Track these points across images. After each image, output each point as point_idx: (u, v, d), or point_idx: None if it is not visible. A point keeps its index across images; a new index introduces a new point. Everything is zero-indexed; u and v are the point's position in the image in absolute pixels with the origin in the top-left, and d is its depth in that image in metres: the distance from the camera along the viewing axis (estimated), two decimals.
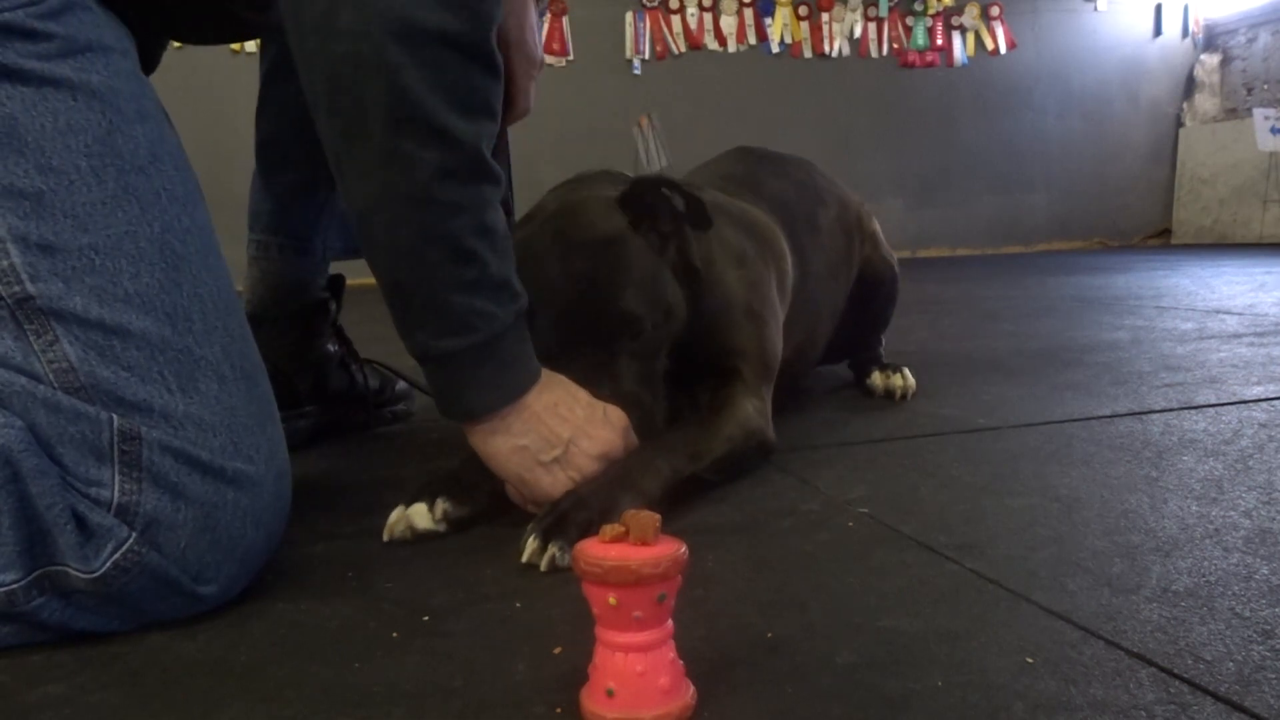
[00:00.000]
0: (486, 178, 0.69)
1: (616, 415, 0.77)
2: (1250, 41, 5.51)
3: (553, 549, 0.67)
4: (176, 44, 0.86)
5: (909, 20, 5.33)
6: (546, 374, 0.75)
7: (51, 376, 0.58)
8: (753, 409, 0.91)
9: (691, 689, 0.46)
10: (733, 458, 0.86)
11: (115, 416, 0.58)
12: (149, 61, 0.77)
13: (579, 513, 0.70)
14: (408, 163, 0.65)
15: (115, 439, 0.58)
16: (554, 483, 0.74)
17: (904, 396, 1.24)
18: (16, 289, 0.58)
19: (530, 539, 0.69)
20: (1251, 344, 1.58)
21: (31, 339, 0.58)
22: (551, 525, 0.69)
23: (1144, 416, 1.08)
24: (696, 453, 0.82)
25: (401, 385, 1.24)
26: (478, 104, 0.67)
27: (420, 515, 0.76)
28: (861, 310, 1.30)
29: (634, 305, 0.82)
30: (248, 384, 0.64)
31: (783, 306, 1.05)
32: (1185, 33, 5.71)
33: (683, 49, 5.04)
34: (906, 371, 1.27)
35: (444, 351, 0.70)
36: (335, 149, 0.67)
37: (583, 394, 0.76)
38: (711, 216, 0.87)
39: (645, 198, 0.86)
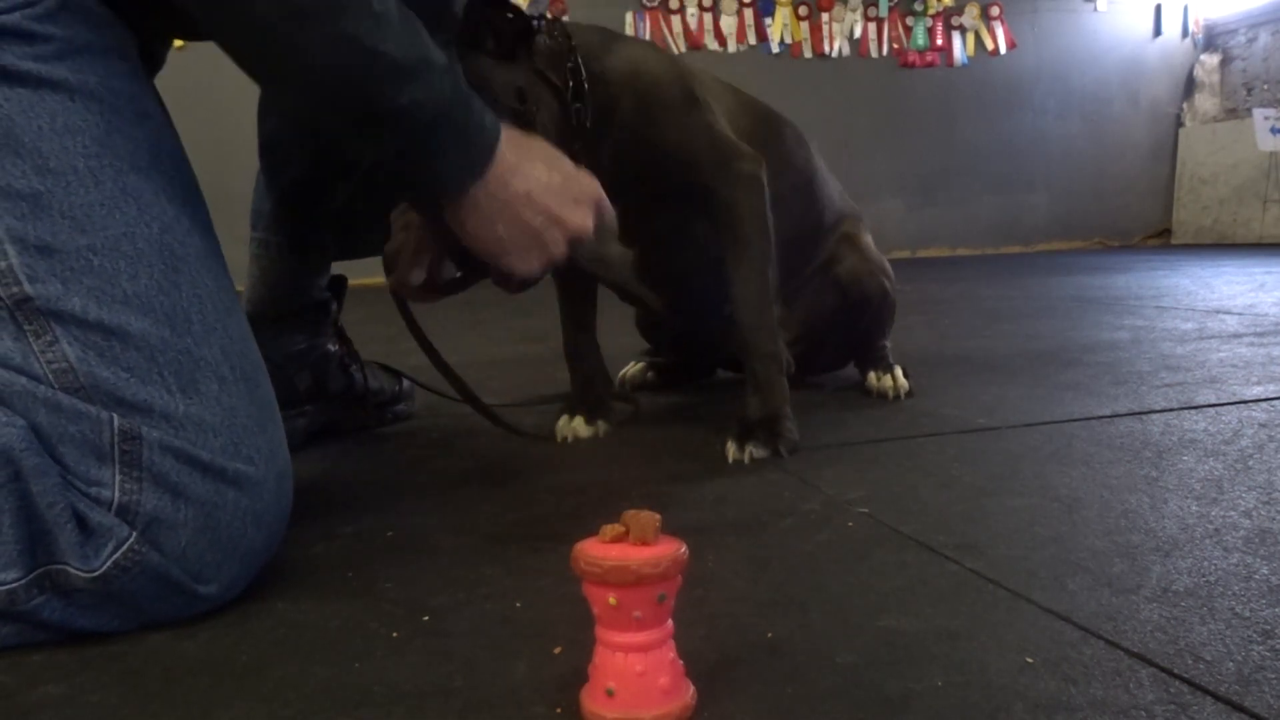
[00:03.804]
0: None
1: (590, 187, 0.79)
2: (1250, 41, 5.51)
3: (750, 447, 0.95)
4: (179, 43, 0.86)
5: (909, 20, 5.33)
6: (516, 143, 0.74)
7: (51, 377, 0.58)
8: (747, 200, 1.01)
9: (691, 689, 0.46)
10: (765, 263, 1.02)
11: (115, 416, 0.58)
12: (153, 60, 0.77)
13: (761, 417, 0.97)
14: None
15: (116, 439, 0.58)
16: (525, 263, 0.77)
17: (897, 396, 1.24)
18: (15, 290, 0.58)
19: (730, 447, 0.96)
20: (1251, 344, 1.58)
21: (31, 339, 0.58)
22: (741, 434, 0.97)
23: (1144, 416, 1.08)
24: (758, 308, 1.00)
25: (405, 385, 1.24)
26: None
27: (581, 427, 1.09)
28: (854, 324, 1.28)
29: None
30: (248, 385, 0.64)
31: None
32: (1185, 33, 5.71)
33: (683, 49, 5.04)
34: (899, 372, 1.27)
35: (409, 102, 0.66)
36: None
37: (558, 167, 0.77)
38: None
39: (475, 17, 0.87)
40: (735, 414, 1.01)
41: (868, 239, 1.30)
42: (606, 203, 0.81)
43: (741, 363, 1.03)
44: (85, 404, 0.58)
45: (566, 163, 0.79)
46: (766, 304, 1.01)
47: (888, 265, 1.31)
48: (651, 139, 0.99)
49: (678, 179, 1.01)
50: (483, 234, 0.75)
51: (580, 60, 0.94)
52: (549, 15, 0.97)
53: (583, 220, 0.78)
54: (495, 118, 0.73)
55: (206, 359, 0.62)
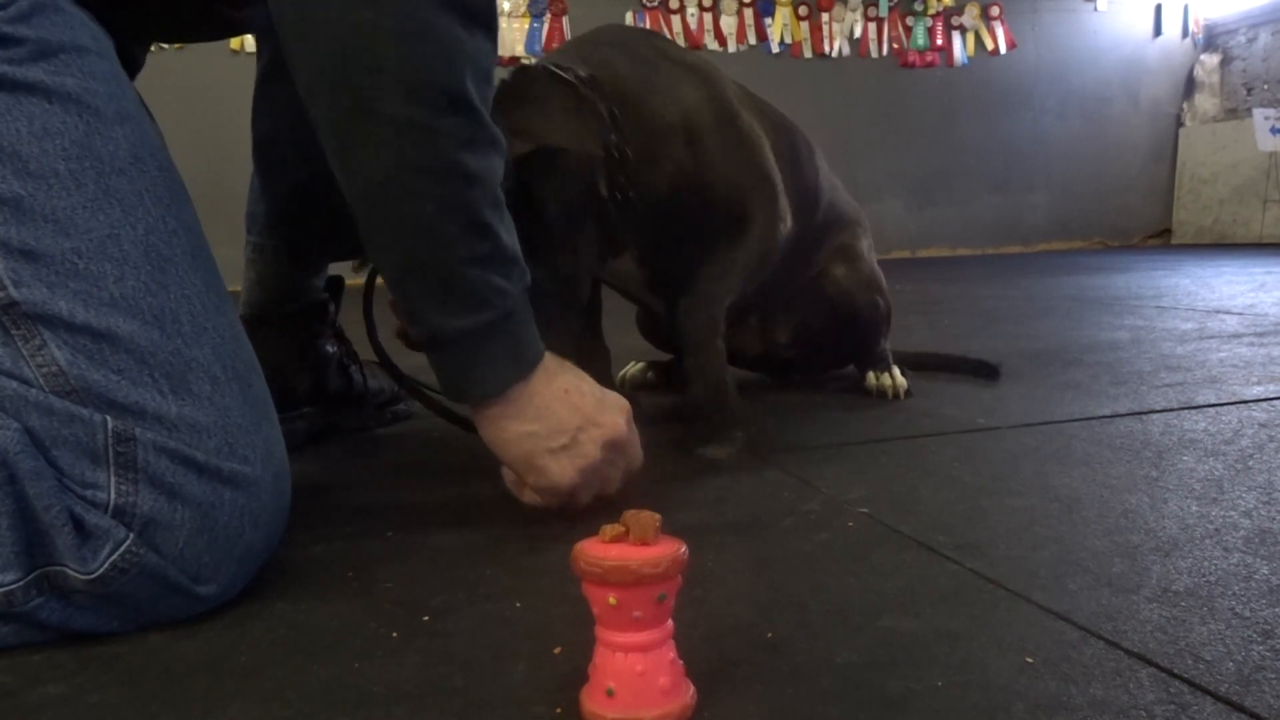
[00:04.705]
0: (497, 147, 0.69)
1: (621, 403, 0.77)
2: (1250, 41, 5.51)
3: (716, 449, 0.95)
4: (165, 45, 0.87)
5: (909, 20, 5.33)
6: (553, 358, 0.75)
7: (41, 380, 0.57)
8: (768, 225, 1.03)
9: (691, 689, 0.46)
10: (749, 271, 1.03)
11: (109, 419, 0.57)
12: (131, 63, 0.76)
13: (716, 416, 0.97)
14: (426, 132, 0.64)
15: (110, 441, 0.57)
16: (560, 470, 0.73)
17: (896, 395, 1.24)
18: (0, 295, 0.57)
19: (698, 448, 0.96)
20: (1251, 344, 1.58)
21: (20, 344, 0.58)
22: (705, 436, 0.96)
23: (1144, 416, 1.08)
24: (724, 286, 1.00)
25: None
26: (484, 70, 0.67)
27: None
28: (846, 336, 1.29)
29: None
30: (240, 384, 0.64)
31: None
32: (1185, 33, 5.71)
33: None
34: (897, 371, 1.27)
35: (458, 331, 0.68)
36: (340, 125, 0.64)
37: (589, 381, 0.76)
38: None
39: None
40: (685, 409, 1.00)
41: (864, 247, 1.28)
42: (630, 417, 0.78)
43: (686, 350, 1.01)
44: (78, 407, 0.57)
45: (592, 380, 0.77)
46: (722, 303, 1.00)
47: (880, 277, 1.29)
48: (698, 183, 0.99)
49: (716, 213, 1.01)
50: (512, 432, 0.72)
51: (625, 147, 0.92)
52: (589, 74, 0.93)
53: (618, 424, 0.75)
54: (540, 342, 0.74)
55: (198, 359, 0.61)
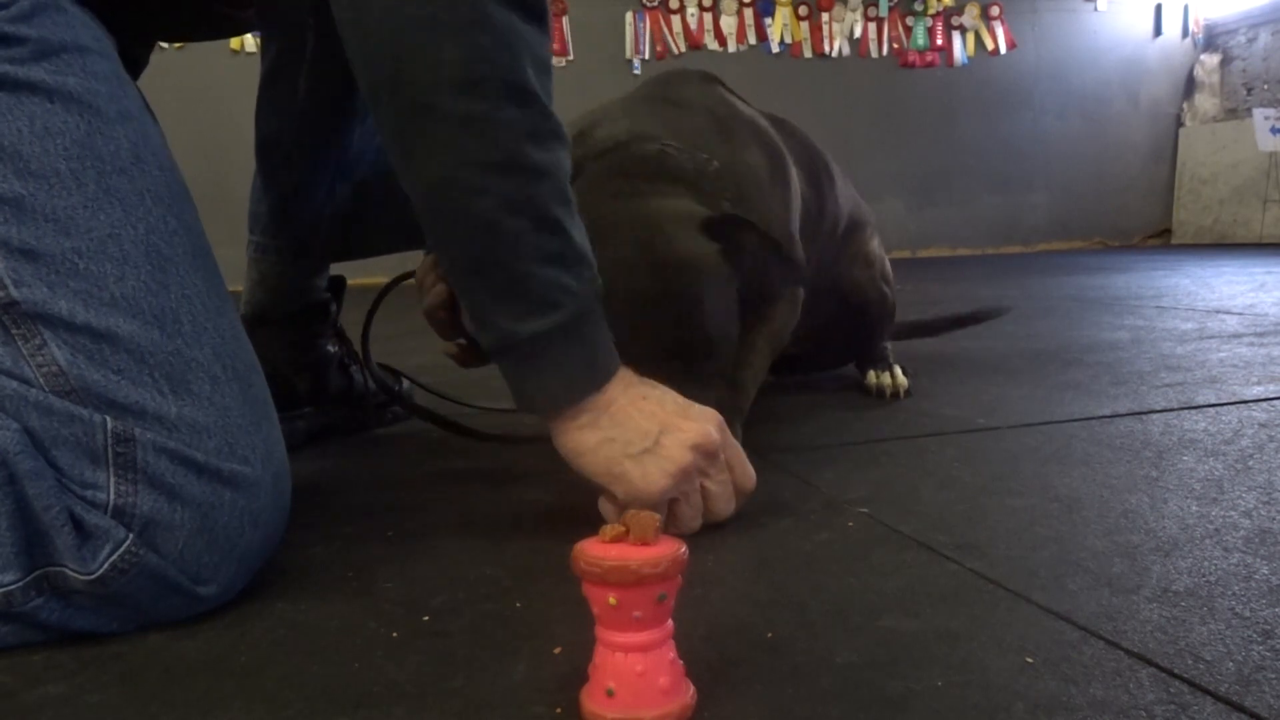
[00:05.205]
0: (562, 139, 0.67)
1: (710, 412, 0.73)
2: (1250, 41, 5.51)
3: None
4: (165, 44, 0.87)
5: (909, 20, 5.33)
6: (628, 372, 0.72)
7: (41, 380, 0.57)
8: (790, 310, 1.06)
9: (691, 689, 0.46)
10: (774, 352, 1.05)
11: (109, 419, 0.57)
12: (135, 64, 0.76)
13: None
14: (488, 125, 0.62)
15: (109, 441, 0.57)
16: (644, 475, 0.68)
17: (895, 394, 1.25)
18: (1, 295, 0.57)
19: None
20: (1251, 344, 1.58)
21: (20, 343, 0.58)
22: None
23: (1144, 416, 1.08)
24: (755, 375, 1.00)
25: (404, 385, 1.24)
26: (543, 61, 0.66)
27: None
28: (854, 328, 1.31)
29: (714, 331, 0.83)
30: (241, 385, 0.63)
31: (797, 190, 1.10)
32: (1185, 33, 5.72)
33: (683, 49, 5.05)
34: (898, 370, 1.27)
35: (528, 335, 0.66)
36: (402, 124, 0.63)
37: (670, 393, 0.73)
38: (793, 259, 0.89)
39: (727, 230, 0.85)
40: None
41: (874, 244, 1.32)
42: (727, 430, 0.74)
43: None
44: (77, 407, 0.57)
45: (675, 393, 0.73)
46: (755, 382, 1.01)
47: (889, 270, 1.33)
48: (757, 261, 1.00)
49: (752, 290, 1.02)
50: (588, 441, 0.69)
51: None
52: (715, 162, 0.93)
53: (704, 429, 0.70)
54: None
55: (198, 360, 0.61)
